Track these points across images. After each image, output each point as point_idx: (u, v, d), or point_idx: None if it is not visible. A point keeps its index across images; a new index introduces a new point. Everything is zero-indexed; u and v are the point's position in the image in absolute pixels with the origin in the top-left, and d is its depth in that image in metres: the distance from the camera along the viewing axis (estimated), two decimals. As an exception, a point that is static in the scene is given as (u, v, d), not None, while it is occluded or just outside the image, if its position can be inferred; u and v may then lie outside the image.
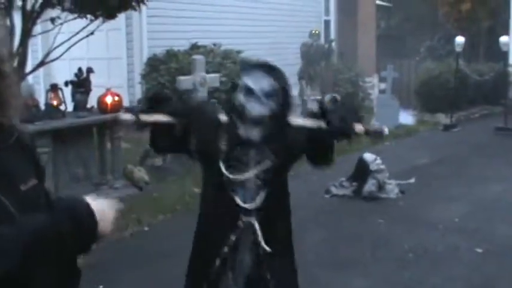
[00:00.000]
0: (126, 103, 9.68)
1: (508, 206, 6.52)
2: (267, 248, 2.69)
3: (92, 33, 6.72)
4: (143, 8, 7.29)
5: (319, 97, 11.50)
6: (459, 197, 6.78)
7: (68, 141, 6.42)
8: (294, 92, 11.60)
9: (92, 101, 6.83)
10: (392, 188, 6.94)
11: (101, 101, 6.63)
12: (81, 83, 6.77)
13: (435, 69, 13.12)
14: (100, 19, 6.69)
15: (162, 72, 10.13)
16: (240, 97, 2.59)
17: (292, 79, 12.21)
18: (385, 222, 6.01)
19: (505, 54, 11.42)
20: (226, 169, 2.65)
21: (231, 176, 2.65)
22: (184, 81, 8.03)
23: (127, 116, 2.75)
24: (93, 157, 6.72)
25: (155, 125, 2.74)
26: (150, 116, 2.70)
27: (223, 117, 2.70)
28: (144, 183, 6.87)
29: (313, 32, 12.77)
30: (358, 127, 2.76)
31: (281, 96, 2.63)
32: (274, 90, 2.60)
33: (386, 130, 2.93)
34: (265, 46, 12.58)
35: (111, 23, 7.34)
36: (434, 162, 8.35)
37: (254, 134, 2.63)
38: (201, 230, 2.89)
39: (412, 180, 7.25)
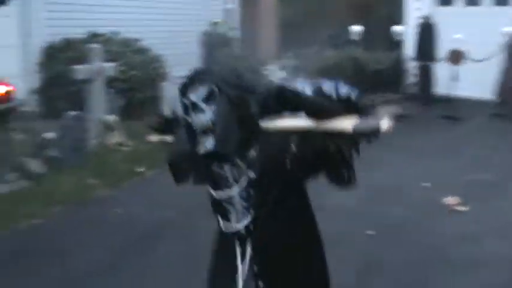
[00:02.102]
0: (22, 92, 9.40)
1: (400, 190, 6.77)
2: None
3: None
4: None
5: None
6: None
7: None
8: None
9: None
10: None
11: (-10, 91, 6.41)
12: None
13: (333, 58, 13.41)
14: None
15: (60, 61, 9.88)
16: (191, 115, 2.43)
17: (191, 69, 12.19)
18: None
19: (400, 43, 11.81)
20: (213, 188, 2.62)
21: (214, 194, 2.62)
22: (81, 71, 7.90)
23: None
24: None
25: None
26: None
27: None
28: (38, 175, 6.69)
29: (215, 22, 12.77)
30: (361, 125, 2.46)
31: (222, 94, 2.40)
32: (210, 93, 2.40)
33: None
34: (165, 34, 12.50)
35: (3, 9, 7.10)
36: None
37: (209, 145, 2.41)
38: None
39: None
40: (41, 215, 5.87)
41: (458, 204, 6.19)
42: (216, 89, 2.38)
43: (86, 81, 8.10)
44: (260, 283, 2.64)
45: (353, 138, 2.50)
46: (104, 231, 5.55)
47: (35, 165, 6.77)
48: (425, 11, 12.73)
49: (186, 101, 2.42)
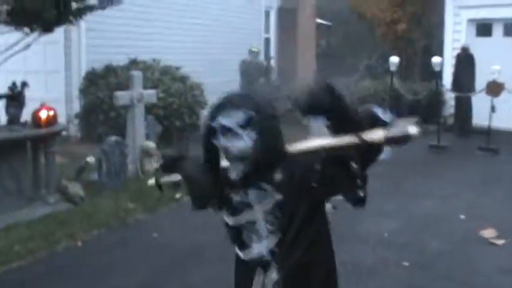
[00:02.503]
0: (63, 117, 9.63)
1: (437, 221, 6.75)
2: None
3: (28, 46, 6.68)
4: (82, 21, 7.29)
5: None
6: (391, 213, 6.98)
7: (1, 155, 6.36)
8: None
9: (28, 115, 6.78)
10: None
11: (35, 115, 6.58)
12: (15, 97, 6.72)
13: (371, 88, 13.45)
14: (37, 32, 6.66)
15: (101, 87, 10.12)
16: (220, 139, 2.37)
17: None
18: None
19: (438, 74, 11.78)
20: (232, 214, 2.57)
21: (233, 221, 2.58)
22: (122, 97, 8.06)
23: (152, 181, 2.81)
24: (26, 171, 6.65)
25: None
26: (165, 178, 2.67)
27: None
28: (79, 198, 6.84)
29: (253, 49, 12.92)
30: (393, 131, 2.39)
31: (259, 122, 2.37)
32: (248, 119, 2.34)
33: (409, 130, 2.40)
34: (205, 63, 12.69)
35: (48, 36, 7.32)
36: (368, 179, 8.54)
37: (239, 171, 2.39)
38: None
39: (344, 197, 7.39)
40: (81, 236, 6.00)
41: (495, 237, 6.13)
42: (254, 116, 2.34)
43: (126, 107, 8.26)
44: None
45: (380, 150, 2.46)
46: (142, 254, 5.65)
47: (75, 189, 6.91)
48: (463, 42, 12.72)
49: (215, 125, 2.36)
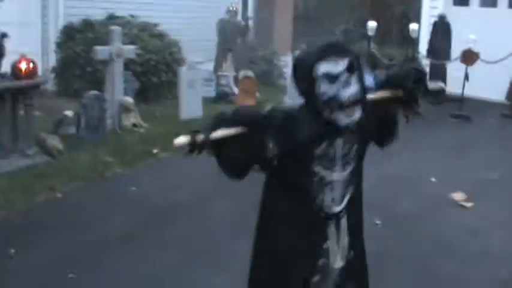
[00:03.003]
0: (40, 71, 9.56)
1: (409, 183, 6.92)
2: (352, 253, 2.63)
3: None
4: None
5: (234, 73, 11.68)
6: (364, 174, 7.12)
7: (-20, 107, 6.35)
8: (209, 67, 11.80)
9: (6, 67, 6.74)
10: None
11: (15, 66, 6.55)
12: (-6, 48, 6.67)
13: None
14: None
15: (78, 41, 10.05)
16: (323, 86, 2.32)
17: (209, 54, 12.34)
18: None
19: (415, 41, 11.89)
20: (317, 168, 2.42)
21: (325, 176, 2.45)
22: (101, 51, 8.05)
23: (184, 139, 2.35)
24: (5, 123, 6.65)
25: (221, 146, 2.36)
26: (217, 132, 2.35)
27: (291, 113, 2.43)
28: (57, 151, 6.87)
29: (231, 8, 12.87)
30: (431, 85, 2.62)
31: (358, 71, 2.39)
32: (351, 66, 2.36)
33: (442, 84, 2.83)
34: (182, 20, 12.63)
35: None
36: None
37: (345, 120, 2.37)
38: (283, 247, 2.54)
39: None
40: (60, 189, 6.06)
41: (465, 200, 6.34)
42: (355, 63, 2.36)
43: (105, 63, 8.26)
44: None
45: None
46: (121, 206, 5.75)
47: (54, 142, 6.93)
48: (440, 10, 12.84)
49: (316, 73, 2.31)
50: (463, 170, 7.53)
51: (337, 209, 2.52)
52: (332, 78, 2.30)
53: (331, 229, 2.53)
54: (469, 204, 6.25)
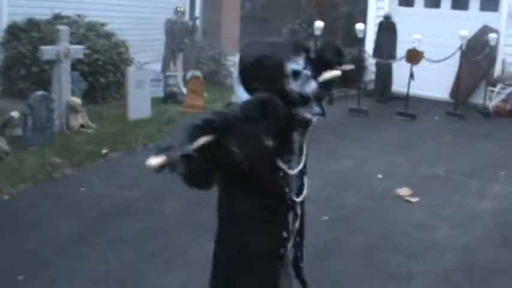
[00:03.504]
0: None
1: (356, 179, 7.06)
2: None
3: None
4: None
5: (182, 73, 11.67)
6: (311, 171, 7.22)
7: None
8: (157, 67, 11.76)
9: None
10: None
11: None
12: None
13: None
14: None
15: (23, 41, 9.88)
16: (291, 83, 2.39)
17: (156, 55, 12.30)
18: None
19: (361, 40, 12.08)
20: (280, 162, 2.49)
21: (290, 171, 2.52)
22: (48, 51, 7.94)
23: (158, 160, 2.06)
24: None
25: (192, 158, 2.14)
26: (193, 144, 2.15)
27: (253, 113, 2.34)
28: (3, 152, 6.76)
29: (178, 8, 12.85)
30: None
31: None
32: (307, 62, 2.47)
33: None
34: (130, 20, 12.55)
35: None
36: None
37: (309, 115, 2.47)
38: (255, 248, 2.52)
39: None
40: (8, 190, 5.96)
41: (410, 195, 6.50)
42: (309, 60, 2.47)
43: (52, 63, 8.15)
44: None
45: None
46: (70, 207, 5.70)
47: (0, 143, 6.81)
48: (386, 11, 13.09)
49: (286, 70, 2.39)
50: (408, 167, 7.73)
51: (298, 200, 2.60)
52: (297, 74, 2.40)
53: (290, 218, 2.59)
54: (414, 199, 6.41)
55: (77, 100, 8.21)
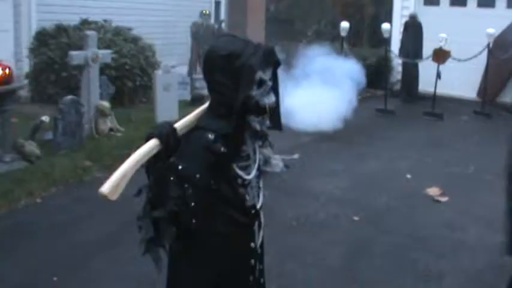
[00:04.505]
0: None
1: (384, 180, 7.04)
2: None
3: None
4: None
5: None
6: (340, 172, 7.25)
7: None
8: (183, 70, 11.84)
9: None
10: (277, 163, 7.26)
11: (-11, 73, 6.53)
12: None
13: (321, 52, 13.65)
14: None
15: (52, 46, 10.02)
16: (254, 90, 2.30)
17: (182, 58, 12.39)
18: (269, 194, 6.33)
19: (387, 41, 12.04)
20: (237, 170, 2.42)
21: (246, 177, 2.44)
22: (76, 57, 8.04)
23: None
24: (-18, 130, 6.63)
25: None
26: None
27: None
28: (35, 156, 6.87)
29: (204, 12, 12.95)
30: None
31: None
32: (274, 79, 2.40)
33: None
34: (156, 24, 12.67)
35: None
36: (317, 140, 8.70)
37: (259, 126, 2.42)
38: (224, 264, 2.48)
39: (296, 156, 7.64)
40: (40, 194, 6.07)
41: (439, 194, 6.47)
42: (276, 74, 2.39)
43: (80, 68, 8.25)
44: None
45: None
46: (101, 209, 5.74)
47: (31, 147, 6.92)
48: (411, 10, 13.03)
49: (256, 77, 2.30)
50: (437, 166, 7.69)
51: (258, 206, 2.54)
52: (261, 83, 2.31)
53: (255, 227, 2.54)
54: (443, 199, 6.38)
55: (106, 104, 8.30)
